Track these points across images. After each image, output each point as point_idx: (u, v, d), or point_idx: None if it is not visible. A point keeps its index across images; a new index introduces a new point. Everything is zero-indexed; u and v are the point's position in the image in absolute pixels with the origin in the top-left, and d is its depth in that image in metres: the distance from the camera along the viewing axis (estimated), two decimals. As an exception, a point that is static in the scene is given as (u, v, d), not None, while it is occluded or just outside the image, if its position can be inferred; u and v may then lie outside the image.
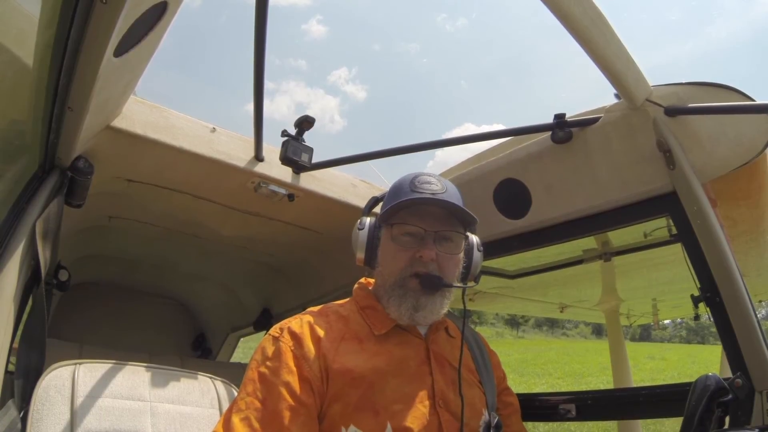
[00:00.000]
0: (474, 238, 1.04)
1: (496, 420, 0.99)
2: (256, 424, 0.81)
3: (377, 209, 1.20)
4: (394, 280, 0.95)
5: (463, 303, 0.98)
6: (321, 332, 0.92)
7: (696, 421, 0.80)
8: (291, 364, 0.87)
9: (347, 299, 1.05)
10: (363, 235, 1.00)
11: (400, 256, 0.95)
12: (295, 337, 0.91)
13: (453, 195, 0.97)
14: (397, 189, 1.01)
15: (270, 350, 0.90)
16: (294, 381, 0.86)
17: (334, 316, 0.98)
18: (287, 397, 0.84)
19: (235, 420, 0.82)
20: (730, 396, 0.81)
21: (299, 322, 0.94)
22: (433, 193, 0.95)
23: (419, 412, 0.88)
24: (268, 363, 0.89)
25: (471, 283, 1.03)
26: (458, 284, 0.98)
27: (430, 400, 0.91)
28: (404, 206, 0.95)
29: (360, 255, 1.00)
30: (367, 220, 1.02)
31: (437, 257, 0.94)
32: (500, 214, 1.41)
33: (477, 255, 1.03)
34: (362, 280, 1.09)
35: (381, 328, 0.96)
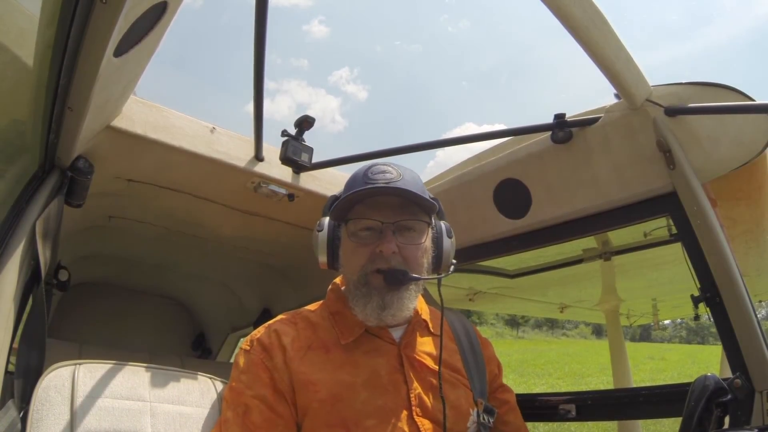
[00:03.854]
0: (443, 225, 0.97)
1: (490, 417, 0.95)
2: None
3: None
4: (356, 278, 0.90)
5: (439, 294, 0.91)
6: (287, 341, 0.89)
7: (695, 421, 0.80)
8: (264, 376, 0.86)
9: (321, 302, 1.01)
10: (322, 236, 0.94)
11: (360, 252, 0.90)
12: (265, 349, 0.89)
13: (410, 182, 0.90)
14: (351, 182, 0.95)
15: (242, 364, 0.89)
16: (269, 394, 0.85)
17: (303, 323, 0.94)
18: (264, 410, 0.83)
19: None
20: (729, 396, 0.81)
21: (267, 332, 0.92)
22: (387, 182, 0.88)
23: (395, 425, 0.84)
24: (242, 377, 0.88)
25: (443, 274, 0.95)
26: (427, 276, 0.92)
27: (406, 410, 0.86)
28: (357, 200, 0.89)
29: (322, 258, 0.94)
30: (326, 221, 0.95)
31: (400, 249, 0.88)
32: (500, 214, 1.41)
33: (447, 242, 0.95)
34: (337, 280, 1.04)
35: (348, 336, 0.91)
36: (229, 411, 0.87)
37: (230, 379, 0.91)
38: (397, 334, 0.95)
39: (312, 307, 1.01)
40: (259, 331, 0.93)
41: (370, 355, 0.90)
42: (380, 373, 0.88)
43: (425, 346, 0.96)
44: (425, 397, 0.88)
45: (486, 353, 1.07)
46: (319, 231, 0.96)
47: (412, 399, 0.87)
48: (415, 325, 0.97)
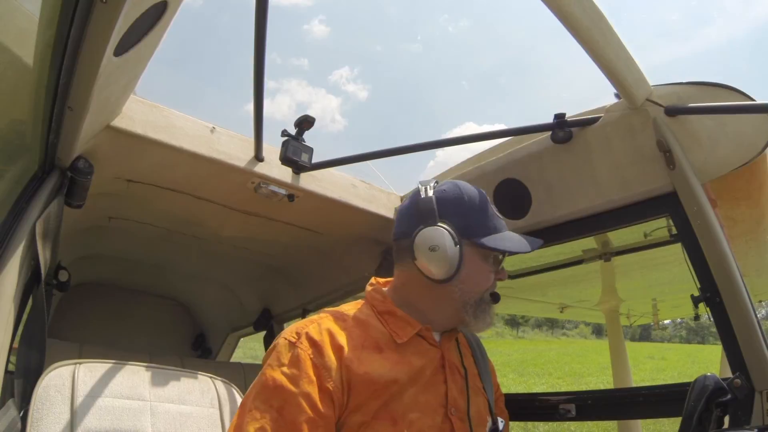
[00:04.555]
0: None
1: (500, 426, 1.00)
2: None
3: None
4: (478, 297, 0.97)
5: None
6: (342, 340, 0.89)
7: (695, 421, 0.80)
8: (311, 373, 0.84)
9: (359, 302, 1.02)
10: (456, 251, 0.93)
11: (490, 277, 1.00)
12: (315, 345, 0.87)
13: None
14: (482, 205, 1.01)
15: (286, 356, 0.86)
16: (314, 392, 0.82)
17: (352, 322, 0.94)
18: (307, 408, 0.81)
19: (250, 429, 0.80)
20: (729, 396, 0.81)
21: (317, 328, 0.90)
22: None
23: (434, 420, 0.88)
24: (285, 370, 0.85)
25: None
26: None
27: (443, 408, 0.91)
28: (522, 245, 1.00)
29: (448, 272, 0.94)
30: (455, 234, 0.94)
31: None
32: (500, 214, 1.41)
33: None
34: (374, 281, 1.05)
35: (403, 336, 0.93)
36: (258, 401, 0.83)
37: (267, 370, 0.86)
38: (437, 337, 1.00)
39: (350, 307, 1.00)
40: (306, 326, 0.91)
41: (418, 355, 0.94)
42: (425, 372, 0.93)
43: (455, 352, 1.02)
44: (458, 398, 0.94)
45: (490, 363, 1.12)
46: (457, 244, 0.94)
47: (449, 398, 0.92)
48: (453, 332, 1.02)
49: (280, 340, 0.89)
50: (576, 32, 0.89)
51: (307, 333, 0.88)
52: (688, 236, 1.09)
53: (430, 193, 0.98)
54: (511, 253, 1.01)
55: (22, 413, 0.99)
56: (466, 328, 1.02)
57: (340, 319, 0.94)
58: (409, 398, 0.88)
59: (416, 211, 0.98)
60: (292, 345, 0.87)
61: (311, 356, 0.85)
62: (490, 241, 0.96)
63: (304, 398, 0.82)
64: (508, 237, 1.00)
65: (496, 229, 0.99)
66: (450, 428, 0.89)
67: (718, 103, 1.04)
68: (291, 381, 0.83)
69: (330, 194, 1.51)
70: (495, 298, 1.00)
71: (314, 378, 0.84)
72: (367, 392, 0.85)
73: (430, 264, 0.94)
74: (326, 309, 0.98)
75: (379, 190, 1.64)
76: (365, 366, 0.87)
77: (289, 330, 0.91)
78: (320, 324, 0.91)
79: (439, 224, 0.94)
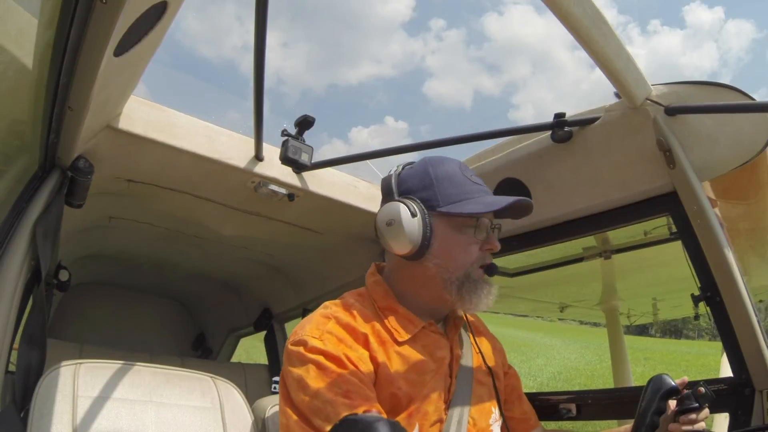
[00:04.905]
0: None
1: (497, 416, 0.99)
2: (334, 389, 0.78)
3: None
4: (462, 273, 0.92)
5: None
6: (365, 330, 0.88)
7: (648, 419, 0.84)
8: (346, 361, 0.83)
9: (359, 292, 0.99)
10: (416, 223, 0.90)
11: (472, 249, 0.93)
12: (342, 340, 0.85)
13: None
14: (450, 174, 0.95)
15: (315, 352, 0.83)
16: (354, 359, 0.83)
17: (360, 316, 0.92)
18: (354, 374, 0.81)
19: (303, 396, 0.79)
20: (684, 395, 0.83)
21: (336, 323, 0.88)
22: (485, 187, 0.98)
23: (440, 413, 0.89)
24: (319, 358, 0.82)
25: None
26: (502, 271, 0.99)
27: (445, 403, 0.91)
28: (491, 203, 0.93)
29: (410, 245, 0.90)
30: (414, 206, 0.91)
31: None
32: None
33: None
34: (373, 268, 1.02)
35: (405, 334, 0.91)
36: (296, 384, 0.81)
37: (291, 368, 0.83)
38: (441, 328, 0.99)
39: (354, 296, 0.97)
40: (323, 326, 0.87)
41: (431, 351, 0.93)
42: (433, 364, 0.92)
43: (460, 343, 1.00)
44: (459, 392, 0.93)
45: (496, 344, 1.10)
46: (414, 216, 0.90)
47: (452, 392, 0.92)
48: (458, 322, 1.01)
49: (297, 348, 0.85)
50: (576, 32, 0.89)
51: (329, 330, 0.86)
52: (688, 235, 1.09)
53: (398, 171, 0.98)
54: (476, 214, 0.92)
55: (22, 413, 1.00)
56: (458, 309, 0.97)
57: (352, 315, 0.91)
58: (418, 391, 0.88)
59: (381, 193, 0.99)
60: (316, 340, 0.84)
61: (344, 351, 0.83)
62: (455, 207, 0.91)
63: (358, 379, 0.81)
64: (481, 200, 0.93)
65: (468, 195, 0.93)
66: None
67: (718, 102, 1.04)
68: (334, 361, 0.82)
69: (330, 194, 1.51)
70: (489, 270, 0.94)
71: (348, 363, 0.82)
72: (386, 385, 0.85)
73: (390, 240, 0.92)
74: (327, 304, 0.94)
75: (379, 190, 1.63)
76: (383, 357, 0.87)
77: (305, 333, 0.86)
78: (337, 319, 0.89)
79: (396, 199, 0.93)
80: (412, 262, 0.93)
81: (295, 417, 0.80)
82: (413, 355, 0.90)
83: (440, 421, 0.88)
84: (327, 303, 0.94)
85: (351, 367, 0.82)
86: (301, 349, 0.84)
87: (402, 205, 0.91)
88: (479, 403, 0.95)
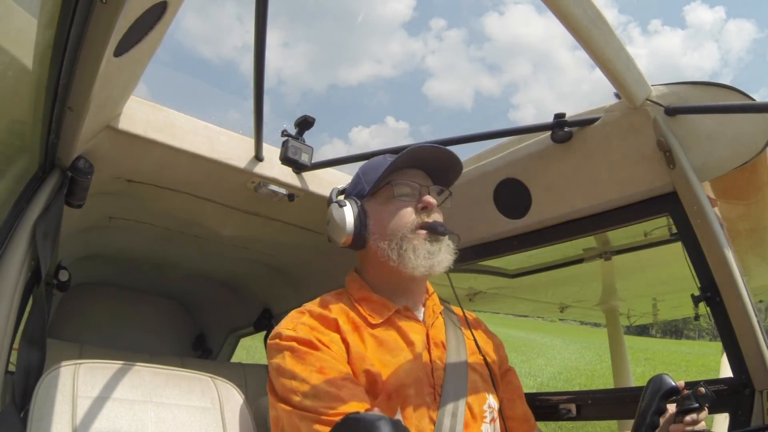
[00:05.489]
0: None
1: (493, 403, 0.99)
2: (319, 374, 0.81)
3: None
4: (400, 236, 0.95)
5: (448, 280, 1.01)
6: (336, 318, 0.92)
7: (648, 419, 0.84)
8: (317, 343, 0.87)
9: (337, 291, 1.04)
10: (348, 211, 0.99)
11: (406, 212, 0.96)
12: (315, 329, 0.89)
13: None
14: (374, 165, 1.03)
15: (288, 339, 0.88)
16: (332, 346, 0.87)
17: (336, 309, 0.96)
18: (333, 361, 0.85)
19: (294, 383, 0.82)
20: (683, 396, 0.83)
21: (310, 316, 0.93)
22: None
23: (422, 398, 0.89)
24: (293, 344, 0.87)
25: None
26: (453, 232, 0.99)
27: (430, 387, 0.91)
28: (405, 159, 0.96)
29: (346, 236, 0.98)
30: (344, 200, 1.02)
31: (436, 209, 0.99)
32: (500, 214, 1.41)
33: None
34: (351, 271, 1.08)
35: (378, 317, 0.95)
36: (296, 369, 0.84)
37: (273, 360, 0.89)
38: (419, 315, 1.00)
39: (332, 295, 1.03)
40: (297, 319, 0.92)
41: (405, 333, 0.95)
42: (409, 349, 0.93)
43: (443, 329, 1.01)
44: (441, 376, 0.94)
45: (495, 341, 1.11)
46: (342, 206, 0.99)
47: (435, 377, 0.93)
48: (433, 308, 1.03)
49: (274, 342, 0.90)
50: (576, 32, 0.89)
51: (303, 323, 0.91)
52: (688, 236, 1.09)
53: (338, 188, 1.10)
54: (387, 177, 0.98)
55: (22, 413, 0.99)
56: (410, 274, 0.96)
57: (323, 307, 0.96)
58: (404, 373, 0.89)
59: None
60: (293, 336, 0.88)
61: (319, 339, 0.87)
62: (371, 179, 0.99)
63: (326, 354, 0.85)
64: (399, 159, 0.98)
65: (387, 171, 0.98)
66: (437, 406, 0.90)
67: (718, 102, 1.04)
68: (306, 345, 0.86)
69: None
70: (431, 228, 0.96)
71: (320, 344, 0.87)
72: (356, 362, 0.88)
73: (333, 236, 1.02)
74: (305, 304, 0.99)
75: None
76: (357, 341, 0.90)
77: (284, 323, 0.92)
78: (310, 312, 0.94)
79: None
80: (364, 250, 1.00)
81: (279, 404, 0.84)
82: (386, 336, 0.93)
83: (425, 405, 0.88)
84: (306, 303, 0.99)
85: (323, 347, 0.86)
86: (276, 340, 0.89)
87: (333, 203, 1.01)
88: (473, 388, 0.95)
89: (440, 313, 1.05)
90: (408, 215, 0.97)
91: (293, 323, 0.91)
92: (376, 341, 0.92)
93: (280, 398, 0.85)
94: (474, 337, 1.03)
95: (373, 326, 0.94)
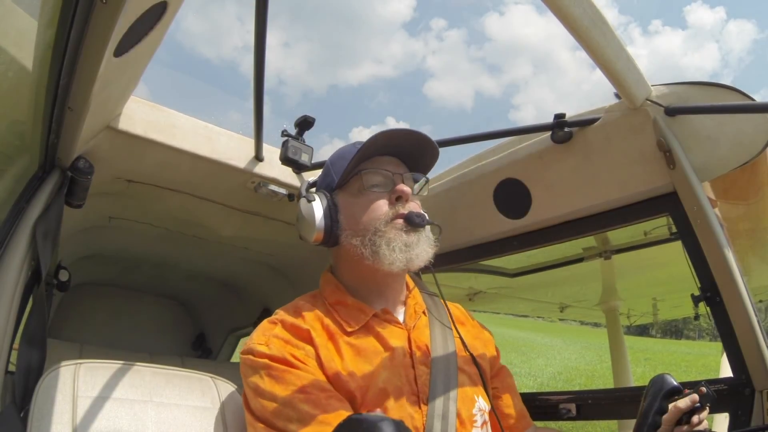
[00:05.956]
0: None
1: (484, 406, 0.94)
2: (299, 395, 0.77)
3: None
4: (374, 228, 0.88)
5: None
6: (309, 328, 0.87)
7: (650, 418, 0.83)
8: (293, 360, 0.83)
9: (312, 294, 0.99)
10: (317, 206, 0.91)
11: (380, 204, 0.89)
12: (288, 342, 0.85)
13: None
14: (342, 154, 0.95)
15: (262, 356, 0.84)
16: (318, 380, 0.82)
17: (308, 315, 0.91)
18: (308, 377, 0.80)
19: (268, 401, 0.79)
20: (686, 395, 0.83)
21: (282, 327, 0.88)
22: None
23: (404, 409, 0.84)
24: (267, 362, 0.82)
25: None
26: (433, 222, 0.92)
27: (414, 395, 0.86)
28: (375, 146, 0.89)
29: (316, 233, 0.90)
30: (314, 195, 0.93)
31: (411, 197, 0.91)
32: (500, 214, 1.41)
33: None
34: (326, 270, 1.01)
35: (354, 324, 0.89)
36: (268, 391, 0.80)
37: (251, 379, 0.84)
38: (400, 317, 0.95)
39: (306, 299, 0.97)
40: (269, 331, 0.87)
41: (384, 339, 0.89)
42: (396, 356, 0.88)
43: (426, 330, 0.96)
44: (426, 383, 0.88)
45: (484, 336, 1.07)
46: (311, 201, 0.91)
47: (420, 385, 0.87)
48: (415, 307, 0.97)
49: (247, 358, 0.86)
50: (576, 32, 0.89)
51: (275, 335, 0.86)
52: (688, 236, 1.09)
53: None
54: (357, 170, 0.90)
55: (22, 413, 0.99)
56: (387, 271, 0.89)
57: (295, 314, 0.91)
58: (383, 382, 0.84)
59: None
60: (265, 345, 0.85)
61: (293, 354, 0.83)
62: (340, 169, 0.92)
63: (302, 371, 0.81)
64: (367, 145, 0.90)
65: (357, 155, 0.90)
66: (422, 416, 0.84)
67: (718, 103, 1.04)
68: (281, 362, 0.81)
69: None
70: (407, 219, 0.88)
71: (296, 361, 0.82)
72: (332, 377, 0.83)
73: (303, 234, 0.94)
74: (278, 310, 0.94)
75: None
76: (331, 352, 0.85)
77: (256, 336, 0.87)
78: (283, 322, 0.88)
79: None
80: (338, 247, 0.93)
81: (260, 424, 0.80)
82: (364, 343, 0.87)
83: (407, 416, 0.83)
84: (278, 309, 0.94)
85: (299, 364, 0.81)
86: (249, 356, 0.85)
87: (302, 197, 0.93)
88: (461, 391, 0.90)
89: (423, 312, 0.98)
90: (381, 207, 0.89)
91: (265, 337, 0.86)
92: (353, 350, 0.86)
93: (260, 419, 0.80)
94: (459, 335, 0.97)
95: (349, 334, 0.88)
